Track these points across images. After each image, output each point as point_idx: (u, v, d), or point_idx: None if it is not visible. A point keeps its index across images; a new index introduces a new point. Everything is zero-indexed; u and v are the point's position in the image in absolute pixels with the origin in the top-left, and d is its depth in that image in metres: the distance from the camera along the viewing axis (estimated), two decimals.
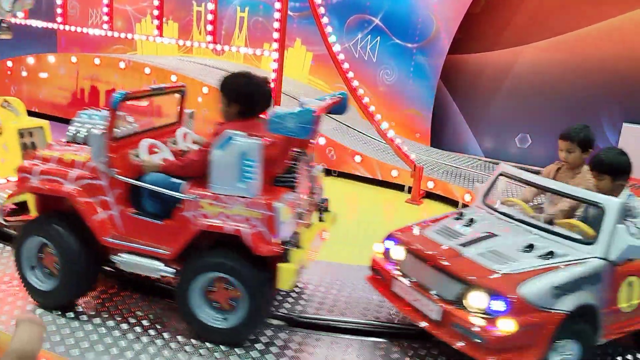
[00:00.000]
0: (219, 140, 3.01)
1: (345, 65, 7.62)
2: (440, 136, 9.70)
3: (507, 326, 2.67)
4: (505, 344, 2.69)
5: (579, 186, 3.33)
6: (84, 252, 3.25)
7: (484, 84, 9.60)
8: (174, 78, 8.27)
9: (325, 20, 7.53)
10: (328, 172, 7.84)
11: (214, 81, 8.42)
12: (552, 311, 2.74)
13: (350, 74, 7.63)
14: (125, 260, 3.20)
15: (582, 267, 2.92)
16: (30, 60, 9.49)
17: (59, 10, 9.24)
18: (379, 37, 9.77)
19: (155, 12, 8.27)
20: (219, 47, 8.13)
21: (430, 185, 7.33)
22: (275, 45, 7.42)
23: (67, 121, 9.07)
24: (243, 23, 10.96)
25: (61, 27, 9.28)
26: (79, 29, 9.25)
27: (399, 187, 7.59)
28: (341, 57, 7.65)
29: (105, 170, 3.18)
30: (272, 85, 3.57)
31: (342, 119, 8.90)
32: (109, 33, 8.86)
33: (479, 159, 9.00)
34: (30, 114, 8.76)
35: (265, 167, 3.05)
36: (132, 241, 3.19)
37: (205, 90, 8.07)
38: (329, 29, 7.56)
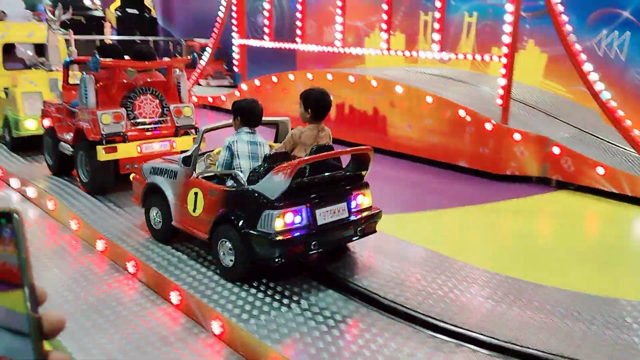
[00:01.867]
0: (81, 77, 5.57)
1: (587, 66, 6.82)
2: None
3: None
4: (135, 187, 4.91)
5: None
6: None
7: None
8: (399, 89, 8.39)
9: (563, 17, 6.84)
10: (563, 185, 7.09)
11: (437, 90, 8.34)
12: (147, 179, 4.66)
13: (593, 76, 6.80)
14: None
15: (169, 165, 4.50)
16: (274, 78, 10.60)
17: (298, 32, 10.16)
18: (628, 33, 8.52)
19: (384, 26, 8.52)
20: (445, 55, 8.01)
21: None
22: (505, 49, 7.00)
23: None
24: (471, 28, 10.63)
25: (299, 47, 10.17)
26: (314, 48, 10.03)
27: None
28: (582, 57, 6.86)
29: (61, 101, 6.25)
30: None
31: (581, 125, 7.99)
32: (341, 50, 9.42)
33: None
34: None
35: (103, 92, 5.51)
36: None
37: (429, 99, 8.01)
38: (567, 27, 6.85)
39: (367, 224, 4.11)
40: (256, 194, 3.70)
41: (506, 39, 7.05)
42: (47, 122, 6.34)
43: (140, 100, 5.58)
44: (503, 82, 7.20)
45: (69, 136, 5.91)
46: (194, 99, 12.74)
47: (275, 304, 3.60)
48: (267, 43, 10.78)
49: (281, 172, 3.61)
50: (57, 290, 3.96)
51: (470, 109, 7.64)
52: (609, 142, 7.62)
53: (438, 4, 7.89)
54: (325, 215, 3.83)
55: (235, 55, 11.55)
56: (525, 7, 8.10)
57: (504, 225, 6.15)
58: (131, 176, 4.99)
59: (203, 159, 4.55)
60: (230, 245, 3.82)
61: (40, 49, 8.21)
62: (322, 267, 4.15)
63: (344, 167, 4.17)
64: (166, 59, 6.14)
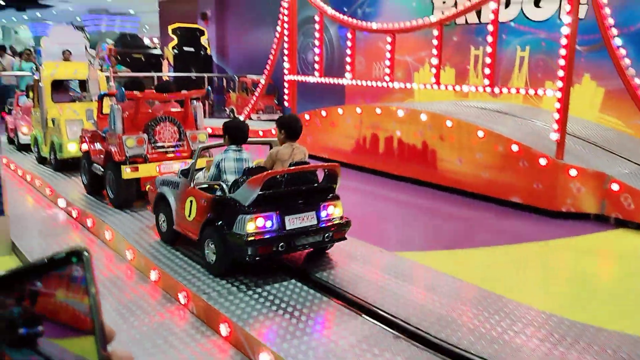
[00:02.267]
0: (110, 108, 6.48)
1: None
2: None
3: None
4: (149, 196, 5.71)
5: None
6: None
7: None
8: (449, 123, 8.33)
9: (621, 51, 6.68)
10: (623, 224, 6.79)
11: (489, 124, 8.22)
12: (157, 189, 5.44)
13: None
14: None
15: (174, 178, 5.23)
16: (323, 112, 10.74)
17: (348, 68, 10.31)
18: None
19: (434, 61, 8.54)
20: (496, 89, 7.93)
21: None
22: (559, 83, 6.87)
23: (349, 166, 9.97)
24: (523, 62, 10.51)
25: (348, 82, 10.31)
26: (362, 83, 10.14)
27: None
28: None
29: (95, 128, 7.06)
30: None
31: None
32: (390, 85, 9.48)
33: None
34: (321, 160, 9.84)
35: (129, 120, 6.31)
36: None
37: (480, 134, 7.91)
38: (626, 61, 6.68)
39: (335, 232, 4.61)
40: (233, 201, 4.34)
41: (561, 73, 6.92)
42: (84, 147, 7.15)
43: (160, 127, 6.42)
44: (558, 116, 7.04)
45: (100, 158, 6.69)
46: None
47: (324, 340, 3.58)
48: (316, 78, 10.98)
49: (252, 183, 4.23)
50: (112, 319, 4.07)
51: (524, 143, 7.48)
52: None
53: (490, 39, 7.86)
54: (294, 221, 4.38)
55: (286, 91, 11.80)
56: (581, 40, 7.96)
57: (560, 263, 5.92)
58: (147, 187, 5.84)
59: (202, 171, 5.22)
60: (213, 245, 4.43)
61: (83, 84, 9.34)
62: (372, 303, 4.10)
63: (320, 181, 4.73)
64: (184, 91, 6.88)
